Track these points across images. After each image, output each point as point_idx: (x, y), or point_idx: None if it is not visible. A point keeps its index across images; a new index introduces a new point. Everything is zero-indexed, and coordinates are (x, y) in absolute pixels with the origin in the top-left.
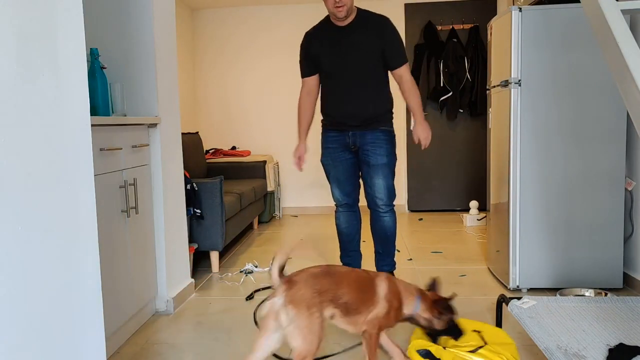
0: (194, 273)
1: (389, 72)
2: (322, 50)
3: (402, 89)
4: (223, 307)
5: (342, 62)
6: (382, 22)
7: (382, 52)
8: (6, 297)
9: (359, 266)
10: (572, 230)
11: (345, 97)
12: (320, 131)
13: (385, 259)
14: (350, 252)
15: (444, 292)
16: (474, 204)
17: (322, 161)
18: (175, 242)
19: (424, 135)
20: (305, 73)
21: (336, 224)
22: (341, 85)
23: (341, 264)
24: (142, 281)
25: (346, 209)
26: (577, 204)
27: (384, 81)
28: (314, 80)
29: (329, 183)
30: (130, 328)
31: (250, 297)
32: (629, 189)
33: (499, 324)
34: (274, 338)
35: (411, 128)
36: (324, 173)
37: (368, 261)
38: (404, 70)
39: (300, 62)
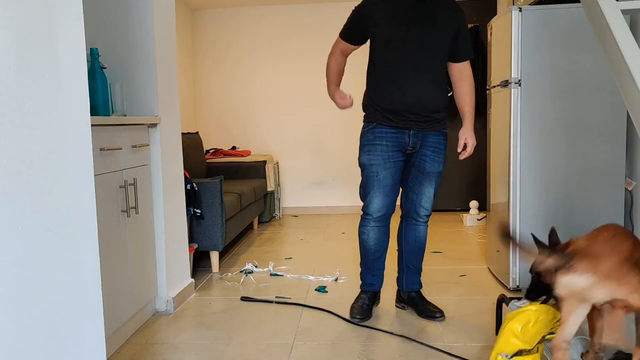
0: (194, 273)
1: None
2: (388, 20)
3: (459, 85)
4: (223, 307)
5: (414, 40)
6: (456, 4)
7: (454, 39)
8: (6, 297)
9: (381, 285)
10: (572, 230)
11: (413, 85)
12: (363, 127)
13: (416, 276)
14: (376, 271)
15: (444, 291)
16: (474, 204)
17: (364, 162)
18: (175, 242)
19: (472, 141)
20: (348, 37)
21: (362, 240)
22: (409, 69)
23: (361, 282)
24: (142, 281)
25: (380, 223)
26: (577, 204)
27: (445, 73)
28: (352, 49)
29: (367, 189)
30: (130, 328)
31: (246, 299)
32: (629, 189)
33: (499, 323)
34: (583, 313)
35: (460, 132)
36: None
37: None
38: (468, 65)
39: (348, 23)
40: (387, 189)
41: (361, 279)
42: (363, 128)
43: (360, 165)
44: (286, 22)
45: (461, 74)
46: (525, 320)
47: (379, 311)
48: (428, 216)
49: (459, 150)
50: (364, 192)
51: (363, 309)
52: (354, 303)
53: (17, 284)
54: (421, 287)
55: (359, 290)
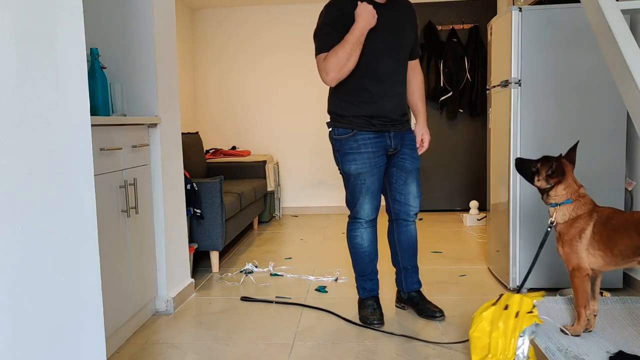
0: (194, 273)
1: None
2: None
3: (413, 81)
4: (223, 307)
5: (385, 44)
6: (411, 5)
7: (415, 38)
8: (6, 297)
9: (379, 288)
10: None
11: (389, 88)
12: (337, 133)
13: (414, 276)
14: (373, 275)
15: (444, 291)
16: (474, 204)
17: (350, 171)
18: (175, 242)
19: (428, 136)
20: (332, 43)
21: (356, 244)
22: (386, 74)
23: (360, 290)
24: (142, 281)
25: (371, 225)
26: None
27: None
28: None
29: (355, 197)
30: (130, 328)
31: (246, 299)
32: (629, 189)
33: None
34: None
35: (413, 128)
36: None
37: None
38: (418, 62)
39: (324, 32)
40: (374, 193)
41: (360, 287)
42: (339, 135)
43: (345, 173)
44: (287, 22)
45: (413, 70)
46: (481, 333)
47: None
48: (416, 215)
49: (417, 146)
50: (352, 199)
51: (377, 314)
52: (363, 312)
53: (17, 284)
54: (421, 285)
55: (359, 298)
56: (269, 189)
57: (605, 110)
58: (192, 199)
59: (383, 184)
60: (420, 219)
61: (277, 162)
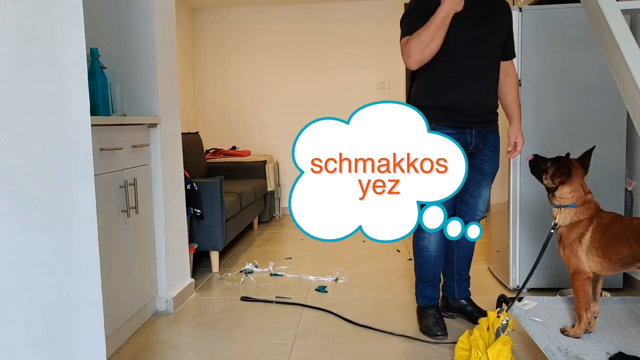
0: (194, 273)
1: None
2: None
3: (505, 83)
4: (223, 307)
5: (476, 39)
6: (507, 4)
7: (506, 39)
8: (6, 297)
9: (439, 298)
10: None
11: (470, 80)
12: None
13: (466, 283)
14: (435, 283)
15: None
16: None
17: None
18: (175, 242)
19: (522, 140)
20: (416, 26)
21: (422, 246)
22: (470, 67)
23: (420, 297)
24: (142, 281)
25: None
26: None
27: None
28: None
29: None
30: (130, 328)
31: (246, 299)
32: (629, 189)
33: None
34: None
35: (508, 132)
36: None
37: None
38: (513, 63)
39: (408, 16)
40: None
41: (420, 293)
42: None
43: None
44: (287, 22)
45: (507, 71)
46: None
47: (378, 311)
48: (481, 219)
49: (509, 149)
50: None
51: (441, 324)
52: (425, 322)
53: (17, 284)
54: (470, 293)
55: (418, 307)
56: (269, 189)
57: (605, 110)
58: (192, 199)
59: None
60: None
61: (277, 162)
